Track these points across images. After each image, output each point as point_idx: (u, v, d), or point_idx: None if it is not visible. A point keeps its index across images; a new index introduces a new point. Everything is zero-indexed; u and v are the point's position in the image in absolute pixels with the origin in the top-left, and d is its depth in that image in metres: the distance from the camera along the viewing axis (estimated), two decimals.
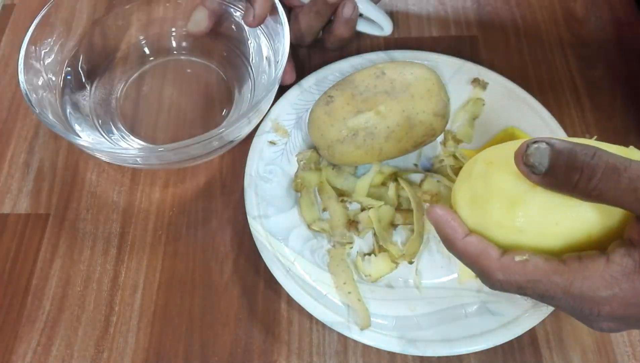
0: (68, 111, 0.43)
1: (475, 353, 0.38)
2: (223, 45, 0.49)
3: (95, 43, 0.47)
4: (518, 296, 0.31)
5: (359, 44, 0.53)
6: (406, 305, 0.38)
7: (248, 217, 0.40)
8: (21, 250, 0.42)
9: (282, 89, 0.46)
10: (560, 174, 0.25)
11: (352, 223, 0.42)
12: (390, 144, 0.40)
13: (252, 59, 0.47)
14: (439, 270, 0.40)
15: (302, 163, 0.44)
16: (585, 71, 0.51)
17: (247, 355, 0.38)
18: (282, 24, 0.42)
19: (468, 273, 0.39)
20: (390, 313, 0.38)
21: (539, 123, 0.44)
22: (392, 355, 0.38)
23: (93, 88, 0.46)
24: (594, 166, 0.24)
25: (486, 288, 0.35)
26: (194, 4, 0.47)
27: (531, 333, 0.38)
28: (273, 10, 0.43)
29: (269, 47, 0.45)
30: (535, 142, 0.26)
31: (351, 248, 0.41)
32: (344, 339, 0.39)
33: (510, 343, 0.38)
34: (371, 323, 0.37)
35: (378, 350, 0.38)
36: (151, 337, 0.39)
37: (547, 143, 0.25)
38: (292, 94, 0.46)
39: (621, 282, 0.25)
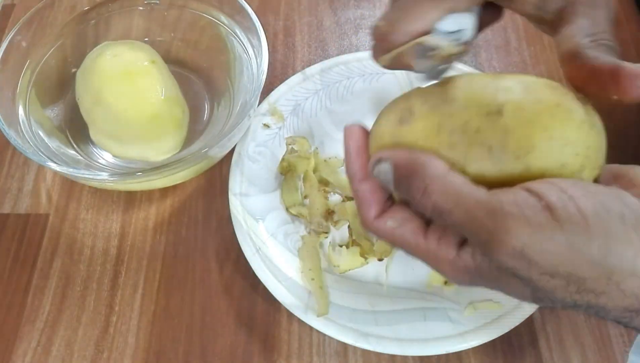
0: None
1: (475, 353, 0.38)
2: (204, 56, 0.49)
3: (67, 54, 0.47)
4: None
5: (357, 39, 0.53)
6: (368, 300, 0.38)
7: (229, 193, 0.41)
8: (21, 250, 0.42)
9: (285, 74, 0.46)
10: (404, 192, 0.26)
11: (331, 213, 0.42)
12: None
13: (234, 74, 0.47)
14: (409, 272, 0.40)
15: (290, 147, 0.44)
16: None
17: (247, 355, 0.38)
18: (260, 41, 0.42)
19: (437, 279, 0.39)
20: (349, 305, 0.38)
21: None
22: (392, 356, 0.38)
23: (65, 101, 0.46)
24: (424, 205, 0.25)
25: (451, 295, 0.37)
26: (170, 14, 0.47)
27: (531, 333, 0.38)
28: (253, 30, 0.43)
29: (250, 62, 0.44)
30: (379, 159, 0.26)
31: (326, 237, 0.41)
32: None
33: (510, 343, 0.38)
34: (329, 312, 0.37)
35: (378, 352, 0.38)
36: (151, 337, 0.39)
37: (391, 162, 0.26)
38: (294, 80, 0.47)
39: (464, 273, 0.25)
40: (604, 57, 0.25)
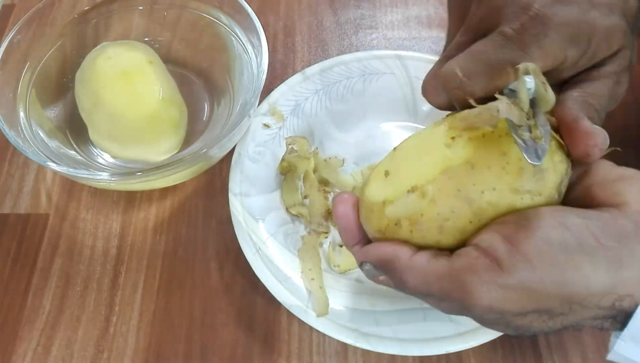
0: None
1: (475, 353, 0.38)
2: (204, 56, 0.49)
3: (67, 54, 0.46)
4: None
5: (357, 39, 0.53)
6: (368, 300, 0.38)
7: (229, 193, 0.41)
8: (21, 250, 0.42)
9: (285, 74, 0.45)
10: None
11: (331, 213, 0.42)
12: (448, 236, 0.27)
13: (234, 74, 0.47)
14: None
15: (290, 146, 0.44)
16: None
17: (247, 355, 0.38)
18: (260, 41, 0.42)
19: None
20: (350, 306, 0.38)
21: None
22: (392, 356, 0.38)
23: (65, 101, 0.46)
24: (407, 291, 0.27)
25: None
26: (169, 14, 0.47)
27: None
28: (253, 30, 0.43)
29: (250, 64, 0.44)
30: (361, 264, 0.29)
31: (326, 237, 0.41)
32: None
33: (510, 343, 0.38)
34: (329, 312, 0.37)
35: (378, 352, 0.38)
36: (151, 337, 0.39)
37: (370, 264, 0.28)
38: (294, 80, 0.47)
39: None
40: (565, 109, 0.27)
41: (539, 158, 0.25)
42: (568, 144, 0.26)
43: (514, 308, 0.24)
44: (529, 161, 0.25)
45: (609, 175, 0.26)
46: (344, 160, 0.45)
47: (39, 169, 0.46)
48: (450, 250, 0.26)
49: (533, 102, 0.26)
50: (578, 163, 0.27)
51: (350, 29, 0.54)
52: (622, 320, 0.25)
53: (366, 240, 0.30)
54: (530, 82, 0.26)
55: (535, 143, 0.25)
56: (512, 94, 0.27)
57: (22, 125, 0.42)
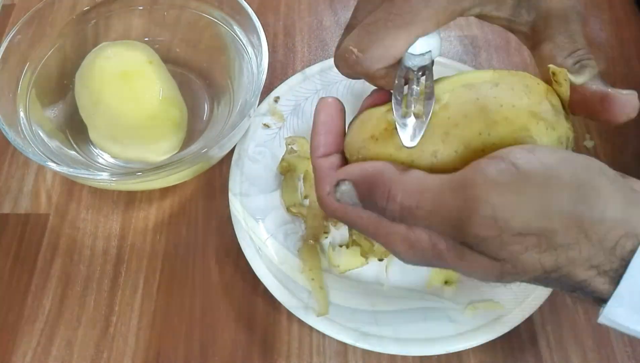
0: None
1: (475, 353, 0.38)
2: (204, 56, 0.49)
3: (67, 54, 0.46)
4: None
5: None
6: (368, 300, 0.38)
7: (229, 193, 0.41)
8: (21, 250, 0.42)
9: (285, 74, 0.45)
10: (372, 206, 0.26)
11: None
12: (450, 148, 0.25)
13: (234, 74, 0.47)
14: (409, 272, 0.40)
15: (290, 147, 0.44)
16: None
17: (247, 356, 0.38)
18: (260, 41, 0.42)
19: (437, 279, 0.39)
20: (350, 305, 0.38)
21: None
22: (392, 356, 0.38)
23: (65, 101, 0.46)
24: (392, 211, 0.25)
25: (451, 295, 0.37)
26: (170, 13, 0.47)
27: (531, 333, 0.38)
28: (253, 30, 0.43)
29: (250, 64, 0.44)
30: (338, 183, 0.26)
31: (326, 237, 0.41)
32: None
33: (510, 343, 0.38)
34: (329, 312, 0.37)
35: (378, 352, 0.38)
36: (151, 337, 0.39)
37: (350, 181, 0.26)
38: (294, 80, 0.47)
39: (416, 247, 0.26)
40: (592, 86, 0.27)
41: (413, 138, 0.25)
42: (605, 118, 0.26)
43: (518, 220, 0.22)
44: (402, 141, 0.25)
45: None
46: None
47: (39, 169, 0.46)
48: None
49: (427, 72, 0.27)
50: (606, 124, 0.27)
51: None
52: (617, 277, 0.23)
53: (343, 162, 0.28)
54: (420, 46, 0.27)
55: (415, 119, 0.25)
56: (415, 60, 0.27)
57: (22, 125, 0.42)
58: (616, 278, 0.23)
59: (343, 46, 0.28)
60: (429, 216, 0.24)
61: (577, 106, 0.27)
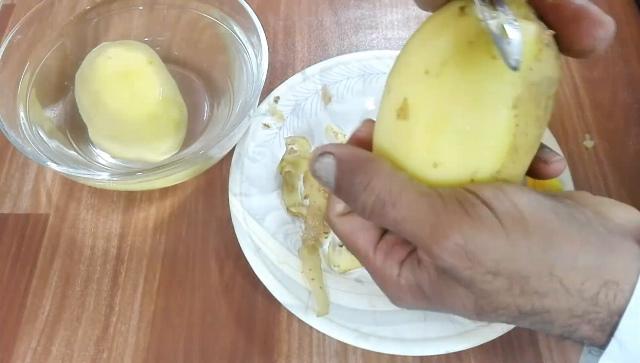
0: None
1: (475, 353, 0.38)
2: (204, 56, 0.49)
3: (67, 54, 0.46)
4: None
5: (357, 39, 0.53)
6: (368, 300, 0.38)
7: (229, 193, 0.41)
8: (21, 250, 0.42)
9: (285, 74, 0.46)
10: (345, 195, 0.25)
11: None
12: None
13: (234, 74, 0.46)
14: None
15: (290, 146, 0.44)
16: (585, 71, 0.51)
17: (247, 355, 0.38)
18: (260, 41, 0.42)
19: None
20: (350, 305, 0.38)
21: None
22: (392, 356, 0.38)
23: (65, 101, 0.46)
24: (365, 201, 0.24)
25: None
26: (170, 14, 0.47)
27: (531, 333, 0.38)
28: (253, 30, 0.43)
29: (249, 64, 0.44)
30: (323, 153, 0.25)
31: (326, 237, 0.41)
32: None
33: (510, 343, 0.38)
34: (329, 312, 0.37)
35: (378, 352, 0.38)
36: (151, 337, 0.39)
37: (335, 156, 0.24)
38: (294, 80, 0.47)
39: (406, 292, 0.26)
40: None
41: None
42: (570, 38, 0.22)
43: (488, 258, 0.22)
44: (508, 60, 0.20)
45: (591, 199, 0.25)
46: None
47: (39, 169, 0.46)
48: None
49: None
50: (579, 57, 0.23)
51: (350, 29, 0.54)
52: (605, 325, 0.22)
53: None
54: None
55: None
56: None
57: (22, 125, 0.42)
58: (606, 327, 0.22)
59: None
60: (401, 221, 0.23)
61: (548, 14, 0.23)
